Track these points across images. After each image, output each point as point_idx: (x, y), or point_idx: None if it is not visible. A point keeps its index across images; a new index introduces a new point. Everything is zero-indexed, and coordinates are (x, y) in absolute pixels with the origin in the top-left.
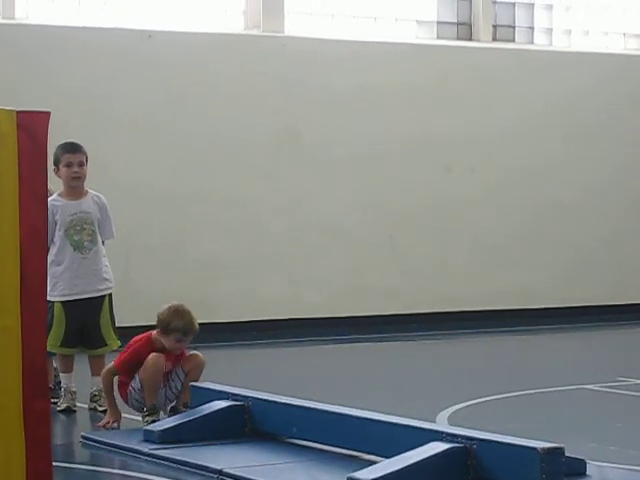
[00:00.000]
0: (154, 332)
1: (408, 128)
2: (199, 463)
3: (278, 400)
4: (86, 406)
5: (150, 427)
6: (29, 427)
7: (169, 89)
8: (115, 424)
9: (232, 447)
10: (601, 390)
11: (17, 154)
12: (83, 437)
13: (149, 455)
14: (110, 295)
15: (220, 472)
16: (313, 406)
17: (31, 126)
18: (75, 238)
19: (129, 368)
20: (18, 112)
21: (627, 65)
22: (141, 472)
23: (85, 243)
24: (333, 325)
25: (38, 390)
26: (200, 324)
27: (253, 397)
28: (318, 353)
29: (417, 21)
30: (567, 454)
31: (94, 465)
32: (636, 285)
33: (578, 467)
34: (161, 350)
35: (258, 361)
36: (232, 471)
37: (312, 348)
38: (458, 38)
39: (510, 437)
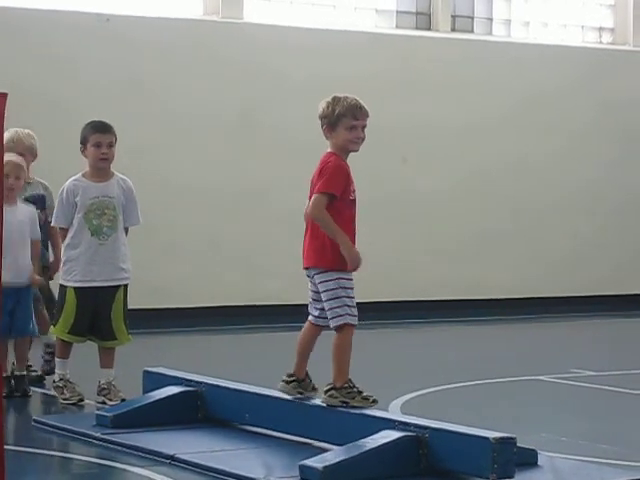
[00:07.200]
0: (329, 149)
1: None
2: (151, 448)
3: (231, 386)
4: (39, 390)
5: (102, 412)
6: None
7: (126, 73)
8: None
9: (185, 433)
10: (554, 381)
11: None
12: (35, 421)
13: (101, 440)
14: (126, 287)
15: (172, 457)
16: (266, 393)
17: None
18: (94, 222)
19: (339, 185)
20: None
21: (585, 58)
22: (93, 457)
23: (104, 229)
24: (290, 312)
25: None
26: (155, 309)
27: (206, 383)
28: (273, 340)
29: (376, 10)
30: (519, 444)
31: (46, 449)
32: (595, 278)
33: (529, 457)
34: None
35: (213, 347)
36: (184, 457)
37: (267, 335)
38: (417, 28)
39: (462, 426)
